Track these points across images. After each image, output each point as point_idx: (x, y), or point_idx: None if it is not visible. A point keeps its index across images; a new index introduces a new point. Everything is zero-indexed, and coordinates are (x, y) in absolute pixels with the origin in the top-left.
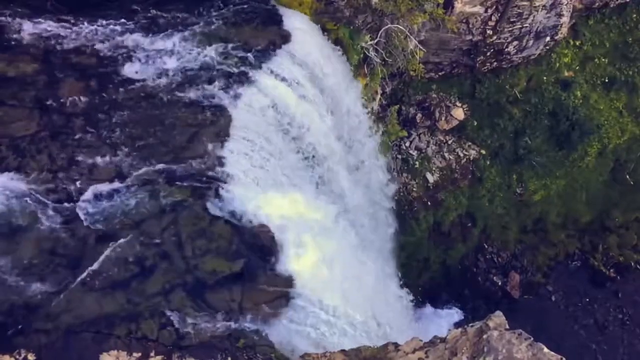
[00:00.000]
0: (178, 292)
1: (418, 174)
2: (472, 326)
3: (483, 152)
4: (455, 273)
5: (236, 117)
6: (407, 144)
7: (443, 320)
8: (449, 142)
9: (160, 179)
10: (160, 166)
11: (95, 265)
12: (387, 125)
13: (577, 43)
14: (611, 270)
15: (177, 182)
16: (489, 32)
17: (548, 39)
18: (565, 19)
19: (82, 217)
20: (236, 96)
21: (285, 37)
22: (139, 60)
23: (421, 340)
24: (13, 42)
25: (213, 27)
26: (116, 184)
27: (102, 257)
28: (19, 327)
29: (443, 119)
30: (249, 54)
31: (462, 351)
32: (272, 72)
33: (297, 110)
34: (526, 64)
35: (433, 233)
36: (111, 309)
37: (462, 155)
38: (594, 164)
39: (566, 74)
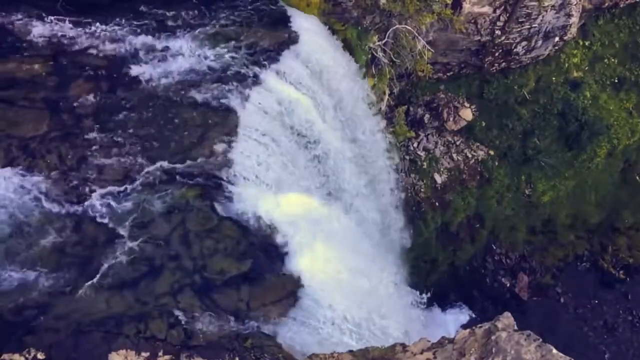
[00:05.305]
0: (186, 292)
1: (426, 175)
2: (480, 327)
3: (491, 152)
4: (464, 274)
5: (244, 117)
6: (415, 144)
7: (451, 321)
8: (457, 142)
9: (169, 179)
10: (169, 167)
11: (104, 265)
12: (395, 126)
13: (587, 43)
14: (620, 272)
15: (186, 183)
16: (498, 32)
17: (557, 39)
18: (574, 19)
19: (92, 217)
20: (244, 97)
21: (293, 38)
22: (148, 61)
23: (429, 341)
24: (23, 43)
25: (221, 27)
26: (125, 184)
27: (111, 257)
28: (29, 326)
29: (451, 119)
30: (257, 55)
31: (471, 352)
32: (280, 72)
33: (304, 110)
34: (535, 64)
35: (441, 234)
36: (120, 308)
37: (470, 156)
38: (604, 164)
39: (575, 74)
